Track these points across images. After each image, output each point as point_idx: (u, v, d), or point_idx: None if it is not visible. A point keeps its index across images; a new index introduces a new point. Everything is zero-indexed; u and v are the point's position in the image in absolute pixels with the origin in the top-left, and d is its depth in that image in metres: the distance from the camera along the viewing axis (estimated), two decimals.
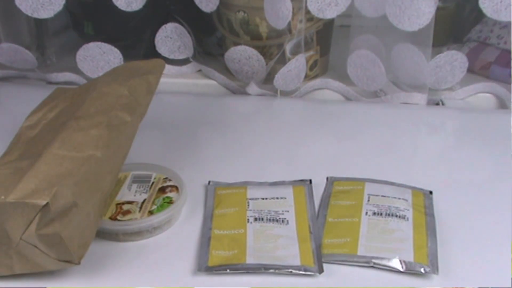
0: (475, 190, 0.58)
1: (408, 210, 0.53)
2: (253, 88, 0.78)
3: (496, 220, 0.53)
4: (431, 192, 0.56)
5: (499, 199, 0.56)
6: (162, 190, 0.55)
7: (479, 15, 0.81)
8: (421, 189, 0.57)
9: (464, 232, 0.52)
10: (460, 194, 0.57)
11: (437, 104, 0.77)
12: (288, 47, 0.74)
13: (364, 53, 0.73)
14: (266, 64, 0.75)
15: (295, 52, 0.74)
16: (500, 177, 0.60)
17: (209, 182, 0.59)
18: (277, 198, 0.55)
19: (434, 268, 0.46)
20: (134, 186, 0.55)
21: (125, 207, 0.52)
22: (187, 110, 0.76)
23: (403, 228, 0.51)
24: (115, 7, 0.72)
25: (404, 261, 0.47)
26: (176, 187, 0.55)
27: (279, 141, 0.68)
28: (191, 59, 0.81)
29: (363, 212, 0.53)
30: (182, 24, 0.78)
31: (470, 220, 0.54)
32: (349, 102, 0.79)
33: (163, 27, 0.78)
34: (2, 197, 0.41)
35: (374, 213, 0.52)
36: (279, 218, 0.52)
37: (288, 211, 0.53)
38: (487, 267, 0.48)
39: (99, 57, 0.76)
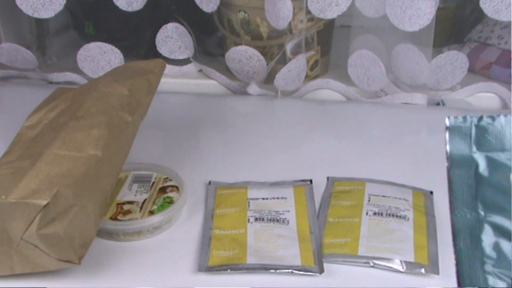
0: None
1: (409, 210, 0.53)
2: (253, 88, 0.78)
3: None
4: (431, 192, 0.56)
5: None
6: (163, 190, 0.55)
7: (480, 15, 0.81)
8: (422, 189, 0.57)
9: None
10: None
11: (438, 104, 0.77)
12: (288, 47, 0.74)
13: (365, 53, 0.73)
14: (267, 64, 0.75)
15: (295, 52, 0.74)
16: None
17: (209, 182, 0.59)
18: (278, 198, 0.55)
19: (435, 268, 0.46)
20: (135, 186, 0.55)
21: (126, 207, 0.52)
22: (187, 110, 0.76)
23: (403, 228, 0.51)
24: (116, 7, 0.72)
25: (405, 261, 0.47)
26: (177, 187, 0.55)
27: (280, 141, 0.68)
28: (191, 59, 0.81)
29: (364, 212, 0.53)
30: (182, 24, 0.78)
31: None
32: (350, 102, 0.79)
33: (163, 27, 0.78)
34: (3, 197, 0.41)
35: (374, 213, 0.52)
36: (280, 218, 0.52)
37: (288, 211, 0.53)
38: None
39: (99, 57, 0.76)
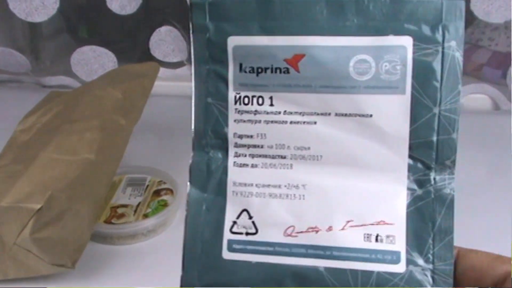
0: (473, 191, 0.58)
1: None
2: None
3: (494, 221, 0.53)
4: None
5: (497, 200, 0.56)
6: (157, 193, 0.55)
7: (470, 18, 0.82)
8: None
9: (462, 233, 0.52)
10: (458, 195, 0.57)
11: None
12: None
13: None
14: None
15: None
16: (496, 178, 0.61)
17: None
18: None
19: None
20: (129, 189, 0.55)
21: (120, 210, 0.52)
22: (181, 113, 0.76)
23: None
24: (109, 11, 0.72)
25: None
26: (171, 190, 0.55)
27: None
28: (185, 62, 0.81)
29: None
30: (176, 27, 0.78)
31: (467, 221, 0.53)
32: None
33: (157, 30, 0.78)
34: None
35: None
36: None
37: None
38: None
39: (93, 61, 0.76)
